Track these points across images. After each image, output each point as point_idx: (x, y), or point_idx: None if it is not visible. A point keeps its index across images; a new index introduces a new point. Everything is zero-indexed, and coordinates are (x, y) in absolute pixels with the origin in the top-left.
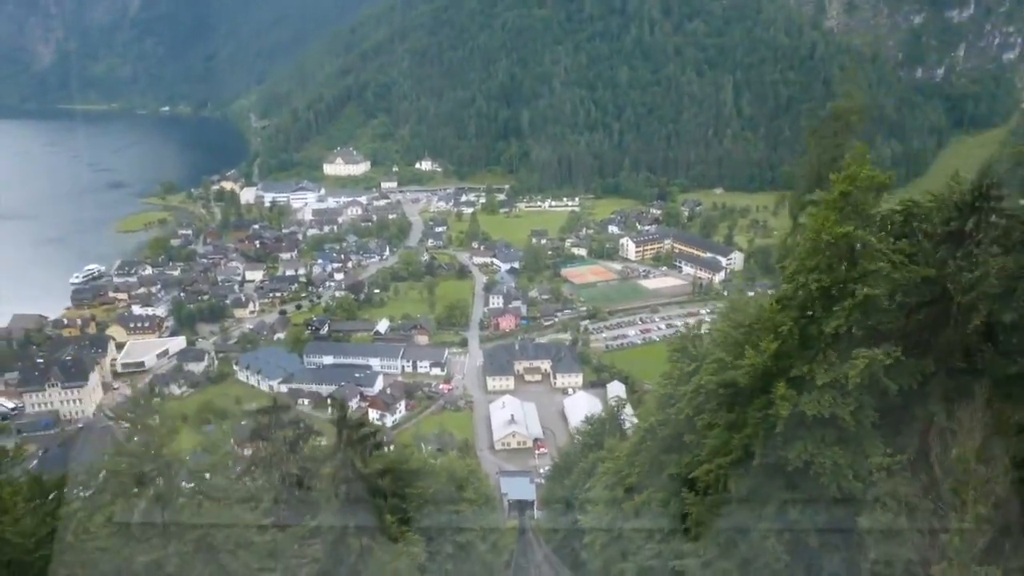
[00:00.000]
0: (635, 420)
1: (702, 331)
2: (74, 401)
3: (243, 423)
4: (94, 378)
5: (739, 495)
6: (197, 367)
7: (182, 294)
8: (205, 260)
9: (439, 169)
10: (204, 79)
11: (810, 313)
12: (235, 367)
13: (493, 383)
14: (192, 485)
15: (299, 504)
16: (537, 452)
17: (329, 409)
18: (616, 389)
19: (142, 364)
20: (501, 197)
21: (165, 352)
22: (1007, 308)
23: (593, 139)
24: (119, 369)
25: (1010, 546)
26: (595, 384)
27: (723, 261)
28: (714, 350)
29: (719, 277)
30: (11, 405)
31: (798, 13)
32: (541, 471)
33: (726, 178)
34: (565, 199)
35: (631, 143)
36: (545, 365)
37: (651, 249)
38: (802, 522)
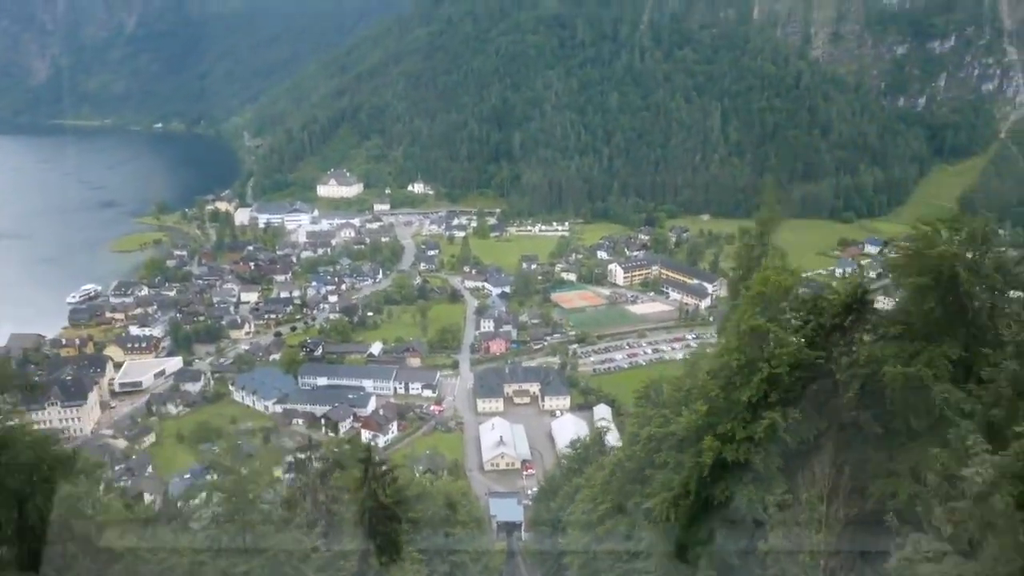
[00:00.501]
0: (619, 445)
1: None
2: (73, 419)
3: (239, 442)
4: (93, 397)
5: (681, 523)
6: (194, 387)
7: (178, 315)
8: (201, 281)
9: (431, 192)
10: (198, 97)
11: (733, 382)
12: (231, 387)
13: (483, 405)
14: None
15: (331, 527)
16: (525, 473)
17: (323, 429)
18: (602, 412)
19: (139, 384)
20: (492, 221)
21: (162, 372)
22: (875, 383)
23: (583, 163)
24: (117, 388)
25: (849, 568)
26: (582, 407)
27: (709, 288)
28: (663, 405)
29: (705, 303)
30: (10, 423)
31: (784, 43)
32: (529, 492)
33: (713, 204)
34: (555, 223)
35: (620, 168)
36: (534, 388)
37: (639, 275)
38: (726, 545)
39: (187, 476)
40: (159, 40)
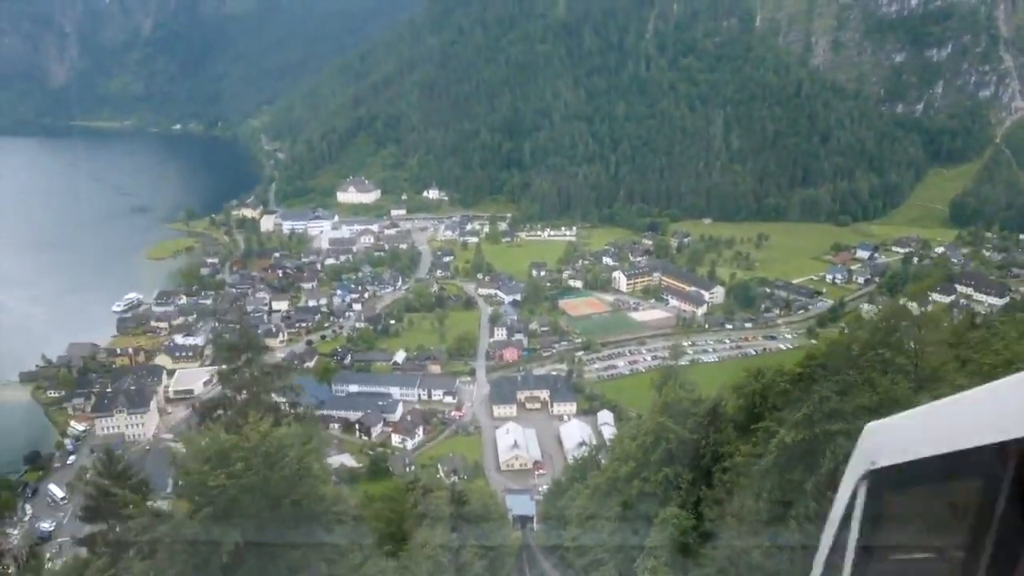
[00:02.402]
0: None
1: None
2: (138, 425)
3: None
4: (153, 404)
5: (624, 530)
6: (240, 394)
7: (217, 324)
8: (234, 290)
9: (445, 198)
10: (214, 98)
11: (649, 450)
12: (273, 394)
13: (498, 411)
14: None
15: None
16: (536, 473)
17: (358, 433)
18: (605, 417)
19: (191, 391)
20: (503, 226)
21: (210, 380)
22: (718, 455)
23: (590, 170)
24: (171, 396)
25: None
26: (587, 412)
27: (705, 295)
28: (618, 458)
29: (701, 311)
30: (81, 428)
31: (786, 51)
32: (540, 489)
33: (714, 209)
34: (563, 228)
35: (626, 175)
36: (544, 395)
37: (641, 282)
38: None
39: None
40: (175, 42)
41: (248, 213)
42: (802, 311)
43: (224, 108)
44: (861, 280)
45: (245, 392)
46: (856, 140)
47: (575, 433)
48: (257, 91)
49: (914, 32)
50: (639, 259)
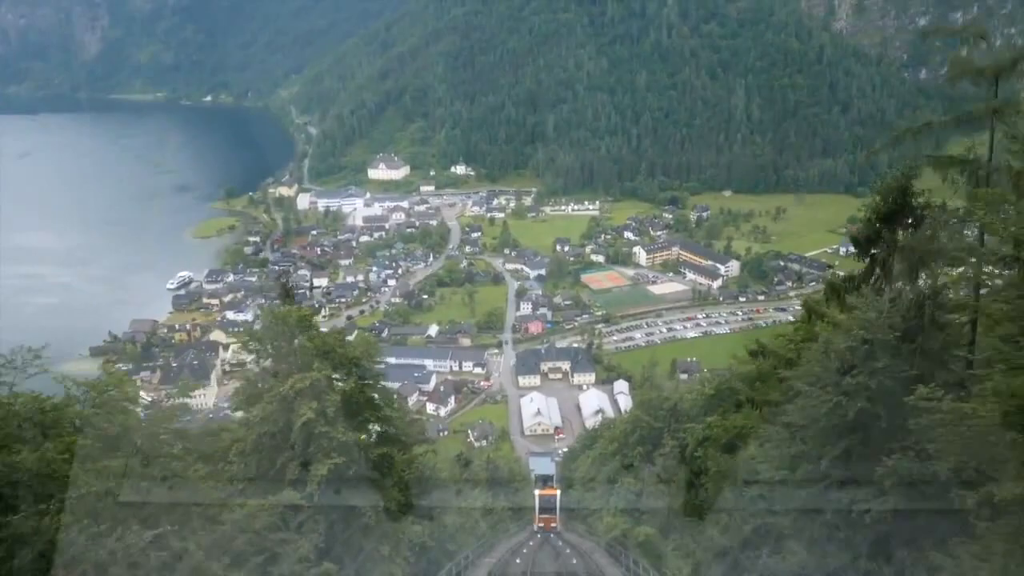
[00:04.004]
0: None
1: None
2: (201, 396)
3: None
4: (213, 376)
5: (608, 492)
6: None
7: (264, 301)
8: (276, 267)
9: (472, 173)
10: (243, 67)
11: (623, 432)
12: None
13: (523, 381)
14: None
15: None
16: (557, 437)
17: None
18: (621, 387)
19: (244, 364)
20: (529, 202)
21: None
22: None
23: (612, 143)
24: (227, 369)
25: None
26: (605, 381)
27: (721, 269)
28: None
29: (716, 284)
30: (150, 398)
31: (808, 15)
32: (559, 452)
33: (734, 181)
34: (587, 202)
35: (647, 147)
36: (565, 366)
37: (660, 256)
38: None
39: None
40: (201, 8)
41: (284, 191)
42: (813, 283)
43: (252, 77)
44: None
45: None
46: (877, 109)
47: (593, 402)
48: (284, 59)
49: None
50: (659, 233)
